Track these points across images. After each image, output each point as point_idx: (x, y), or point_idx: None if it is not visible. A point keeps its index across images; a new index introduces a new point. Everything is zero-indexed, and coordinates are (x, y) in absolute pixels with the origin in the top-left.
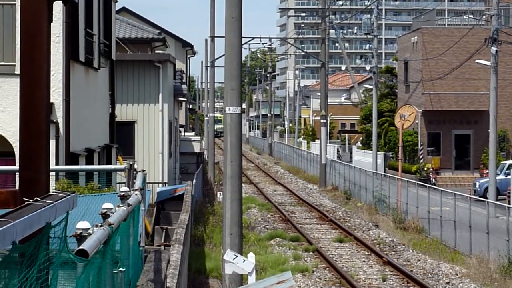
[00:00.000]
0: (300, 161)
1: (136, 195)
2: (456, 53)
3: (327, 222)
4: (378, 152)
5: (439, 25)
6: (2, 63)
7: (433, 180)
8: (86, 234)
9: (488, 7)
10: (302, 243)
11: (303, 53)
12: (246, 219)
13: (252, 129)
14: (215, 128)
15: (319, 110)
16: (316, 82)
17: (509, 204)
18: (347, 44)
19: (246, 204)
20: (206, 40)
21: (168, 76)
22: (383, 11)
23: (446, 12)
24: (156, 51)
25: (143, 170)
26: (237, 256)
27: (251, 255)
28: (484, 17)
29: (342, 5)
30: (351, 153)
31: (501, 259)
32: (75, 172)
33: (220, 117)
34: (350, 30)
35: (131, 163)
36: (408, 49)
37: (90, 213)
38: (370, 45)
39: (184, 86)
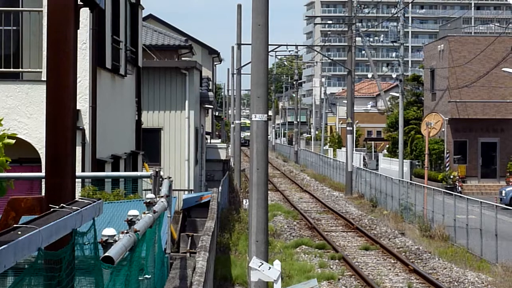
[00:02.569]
0: (326, 168)
1: (162, 202)
2: (483, 61)
3: (353, 230)
4: (404, 160)
5: (466, 33)
6: (29, 69)
7: (459, 188)
8: (112, 240)
9: None
10: (328, 250)
11: (329, 60)
12: (272, 227)
13: (278, 137)
14: (243, 136)
15: (345, 117)
16: (343, 89)
17: None
18: (373, 52)
19: (272, 212)
20: (232, 47)
21: (194, 83)
22: (410, 19)
23: (473, 20)
24: (182, 58)
25: (169, 177)
26: (262, 264)
27: (276, 263)
28: (510, 25)
29: (369, 13)
30: (377, 160)
31: None
32: (101, 179)
33: (248, 123)
34: (376, 38)
35: (157, 170)
36: (434, 57)
37: (116, 219)
38: (397, 53)
39: (210, 93)
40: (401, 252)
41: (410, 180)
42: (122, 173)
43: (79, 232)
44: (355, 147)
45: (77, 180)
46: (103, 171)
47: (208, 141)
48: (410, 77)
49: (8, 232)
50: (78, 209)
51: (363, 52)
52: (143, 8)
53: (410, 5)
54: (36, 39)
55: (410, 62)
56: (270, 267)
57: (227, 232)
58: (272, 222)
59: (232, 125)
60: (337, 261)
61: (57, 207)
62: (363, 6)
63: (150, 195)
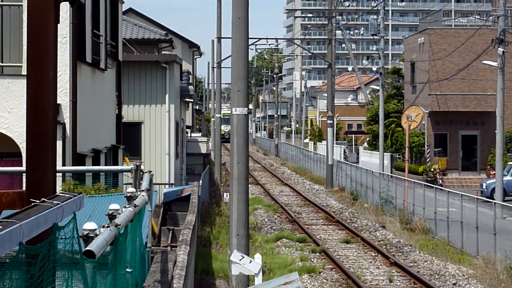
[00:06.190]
0: (307, 162)
1: (143, 196)
2: (463, 54)
3: (333, 223)
4: (384, 153)
5: (446, 26)
6: (9, 64)
7: (440, 181)
8: (93, 235)
9: (495, 8)
10: (309, 244)
11: (309, 54)
12: (253, 220)
13: (259, 130)
14: (226, 131)
15: (326, 111)
16: (323, 83)
17: None
18: (353, 45)
19: (253, 205)
20: (212, 41)
21: (174, 77)
22: (390, 12)
23: (453, 12)
24: (162, 52)
25: (150, 171)
26: (243, 257)
27: (257, 256)
28: (491, 18)
29: (349, 6)
30: (357, 154)
31: (508, 260)
32: (82, 173)
33: (229, 115)
34: (356, 31)
35: (137, 164)
36: (414, 50)
37: (96, 214)
38: (377, 46)
39: (190, 87)
40: (382, 245)
41: (391, 173)
42: (102, 167)
43: (60, 227)
44: (336, 140)
45: (57, 174)
46: (84, 165)
47: (189, 135)
48: (391, 70)
49: None
50: (59, 204)
51: (343, 45)
52: (123, 2)
53: None
54: (16, 33)
55: (390, 55)
56: (251, 261)
57: (208, 225)
58: (252, 216)
59: (212, 119)
60: (318, 254)
61: (38, 201)
62: None
63: (131, 189)
